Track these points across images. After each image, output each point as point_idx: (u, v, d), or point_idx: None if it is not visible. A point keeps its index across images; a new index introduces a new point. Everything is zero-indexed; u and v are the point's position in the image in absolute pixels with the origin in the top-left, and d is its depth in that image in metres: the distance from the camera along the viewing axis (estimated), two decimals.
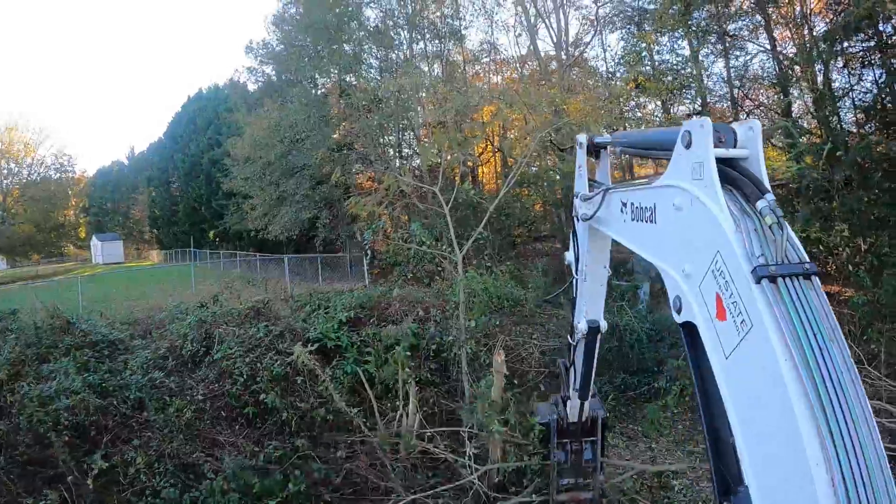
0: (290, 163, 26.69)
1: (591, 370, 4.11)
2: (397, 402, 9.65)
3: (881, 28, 18.94)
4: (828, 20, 18.98)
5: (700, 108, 20.47)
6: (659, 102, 20.65)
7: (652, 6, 20.37)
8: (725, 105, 21.67)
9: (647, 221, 2.52)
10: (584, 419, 4.76)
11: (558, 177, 20.13)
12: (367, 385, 9.73)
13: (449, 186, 13.86)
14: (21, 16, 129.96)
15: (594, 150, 3.68)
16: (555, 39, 23.91)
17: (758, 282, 1.78)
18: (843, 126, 18.02)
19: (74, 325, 11.61)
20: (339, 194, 23.58)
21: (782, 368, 1.65)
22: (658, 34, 19.83)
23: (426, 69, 25.37)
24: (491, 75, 26.51)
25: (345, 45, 26.93)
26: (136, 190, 72.63)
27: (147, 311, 16.00)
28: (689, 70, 20.06)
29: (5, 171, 74.12)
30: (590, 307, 3.90)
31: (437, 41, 25.46)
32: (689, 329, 2.21)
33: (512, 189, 20.99)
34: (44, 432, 8.14)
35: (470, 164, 23.16)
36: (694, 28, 19.60)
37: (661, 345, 13.26)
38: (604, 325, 3.98)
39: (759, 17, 19.59)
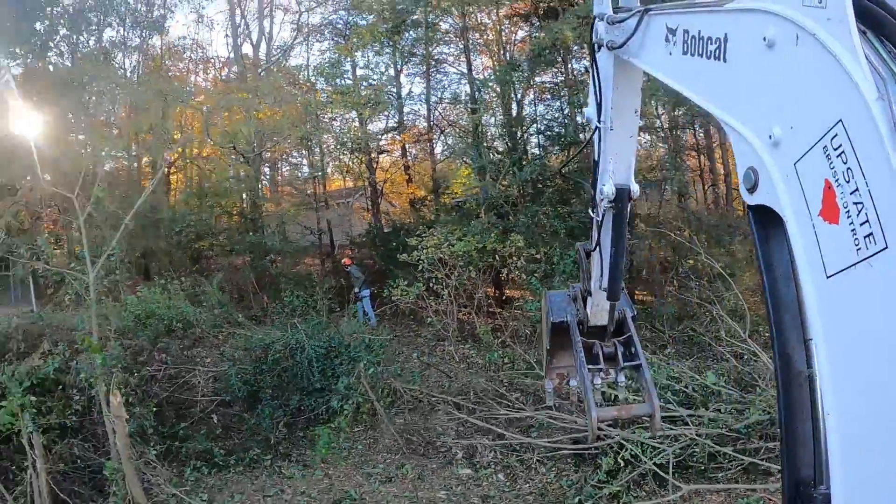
0: None
1: (622, 254, 3.18)
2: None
3: (571, 66, 21.44)
4: (525, 51, 20.70)
5: (396, 125, 21.22)
6: (355, 114, 20.86)
7: (363, 21, 20.63)
8: (423, 125, 22.67)
9: (708, 57, 1.79)
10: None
11: (239, 186, 19.33)
12: None
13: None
14: None
15: None
16: (254, 42, 23.34)
17: None
18: (529, 149, 19.78)
19: None
20: None
21: None
22: (363, 50, 20.19)
23: (122, 59, 23.17)
24: (195, 75, 24.97)
25: (36, 22, 23.28)
26: None
27: None
28: (389, 87, 20.68)
29: None
30: (617, 165, 3.04)
31: (137, 30, 23.31)
32: (762, 214, 1.59)
33: (195, 200, 19.64)
34: None
35: (166, 169, 21.41)
36: (399, 48, 20.29)
37: (337, 361, 12.69)
38: (635, 188, 3.09)
39: (461, 44, 20.83)
